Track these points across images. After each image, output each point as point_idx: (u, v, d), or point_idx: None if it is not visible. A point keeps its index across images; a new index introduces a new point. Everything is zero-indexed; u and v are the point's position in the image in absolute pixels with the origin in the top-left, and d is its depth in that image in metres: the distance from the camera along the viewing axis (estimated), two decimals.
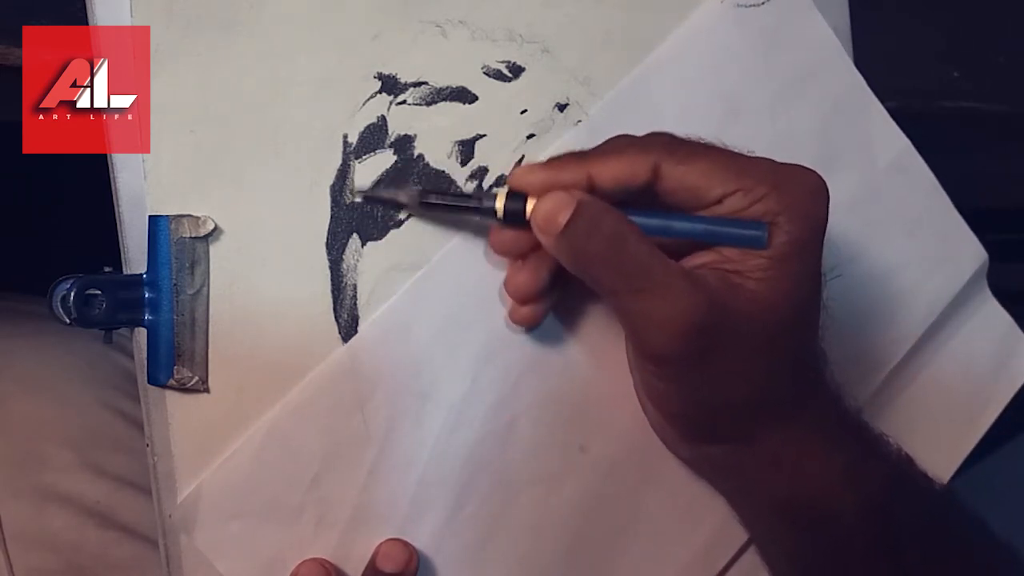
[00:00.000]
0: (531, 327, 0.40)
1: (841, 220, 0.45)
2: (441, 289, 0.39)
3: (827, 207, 0.37)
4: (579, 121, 0.41)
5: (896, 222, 0.47)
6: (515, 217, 0.37)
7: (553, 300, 0.40)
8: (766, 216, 0.36)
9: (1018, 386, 0.52)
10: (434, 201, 0.38)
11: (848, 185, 0.45)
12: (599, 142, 0.39)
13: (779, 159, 0.43)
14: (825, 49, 0.45)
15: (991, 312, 0.52)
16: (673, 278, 0.35)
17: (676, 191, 0.36)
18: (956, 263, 0.49)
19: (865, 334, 0.47)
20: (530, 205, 0.36)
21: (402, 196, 0.38)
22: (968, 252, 0.49)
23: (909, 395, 0.49)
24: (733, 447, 0.39)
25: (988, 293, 0.52)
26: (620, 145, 0.37)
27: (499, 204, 0.37)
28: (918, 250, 0.48)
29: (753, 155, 0.37)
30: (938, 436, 0.50)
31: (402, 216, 0.39)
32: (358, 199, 0.38)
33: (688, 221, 0.36)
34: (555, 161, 0.37)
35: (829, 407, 0.40)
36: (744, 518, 0.43)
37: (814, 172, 0.37)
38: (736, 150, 0.38)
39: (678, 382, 0.38)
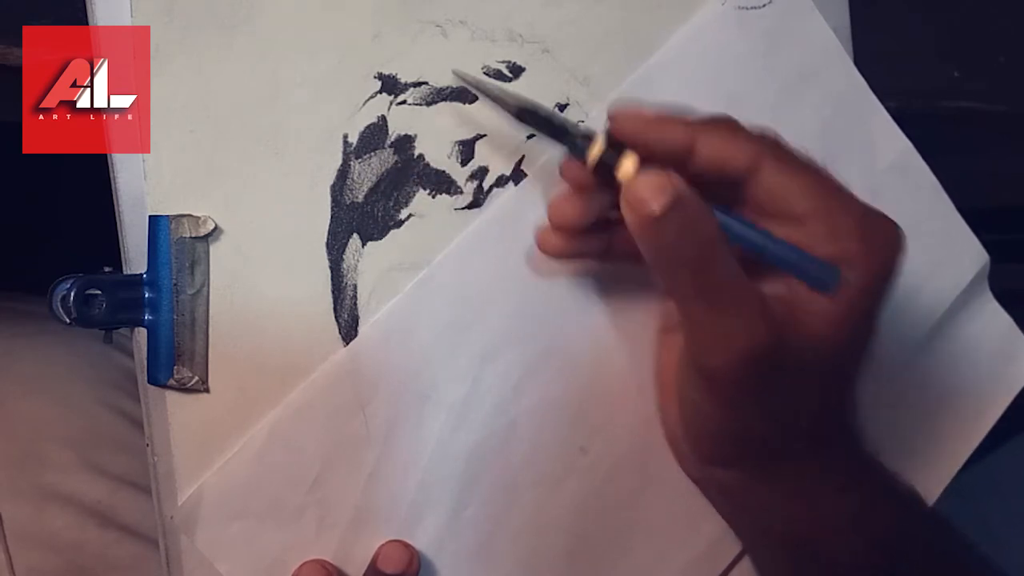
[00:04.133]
0: (553, 256, 0.39)
1: None
2: (442, 291, 0.39)
3: (902, 261, 0.36)
4: (581, 121, 0.41)
5: (898, 223, 0.47)
6: (604, 170, 0.34)
7: (583, 250, 0.38)
8: (844, 254, 0.35)
9: (1018, 389, 0.52)
10: (531, 116, 0.36)
11: (850, 186, 0.45)
12: None
13: None
14: (826, 51, 0.45)
15: (993, 314, 0.52)
16: (749, 300, 0.34)
17: (766, 192, 0.35)
18: (957, 265, 0.49)
19: None
20: (625, 161, 0.34)
21: (508, 98, 0.36)
22: (970, 254, 0.49)
23: (911, 397, 0.49)
24: (749, 475, 0.39)
25: (989, 295, 0.52)
26: (729, 125, 0.36)
27: (593, 152, 0.35)
28: (919, 252, 0.47)
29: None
30: (939, 438, 0.50)
31: (403, 216, 0.39)
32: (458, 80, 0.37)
33: (765, 237, 0.35)
34: (665, 116, 0.36)
35: (850, 448, 0.40)
36: (744, 540, 0.43)
37: (896, 224, 0.36)
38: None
39: (722, 404, 0.37)
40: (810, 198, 0.35)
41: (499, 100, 0.36)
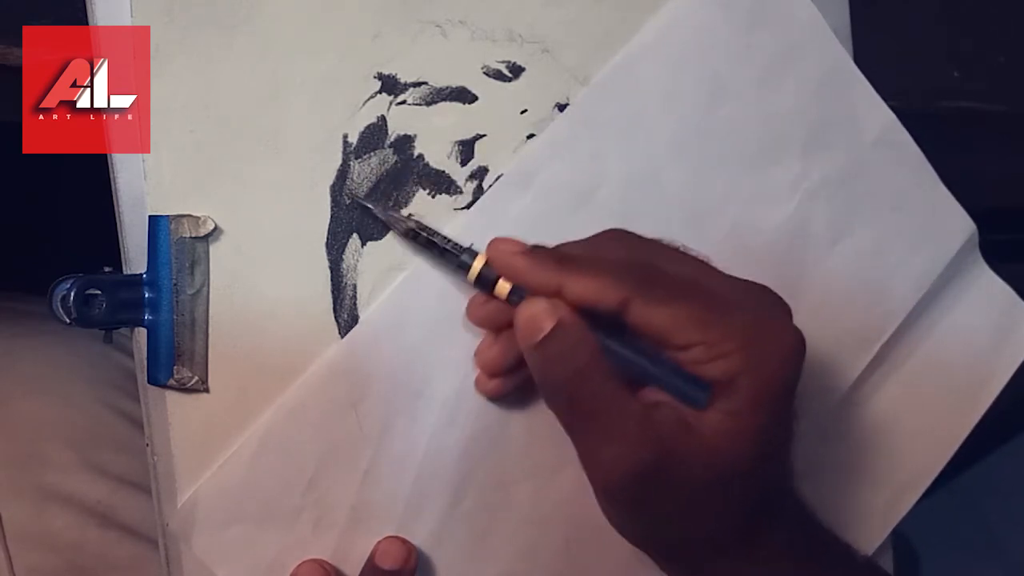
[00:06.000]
0: (497, 398, 0.40)
1: (829, 197, 0.45)
2: (430, 286, 0.39)
3: (798, 368, 0.36)
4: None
5: (883, 196, 0.47)
6: (484, 285, 0.37)
7: (522, 378, 0.39)
8: (726, 374, 0.35)
9: (1021, 359, 0.52)
10: (419, 237, 0.38)
11: (835, 161, 0.45)
12: (583, 131, 0.39)
13: (767, 138, 0.43)
14: (809, 26, 0.45)
15: (988, 284, 0.51)
16: (627, 423, 0.35)
17: (641, 327, 0.35)
18: (944, 235, 0.49)
19: (854, 309, 0.46)
20: (501, 283, 0.36)
21: (396, 223, 0.38)
22: (956, 224, 0.49)
23: (907, 371, 0.49)
24: (679, 567, 0.39)
25: (984, 265, 0.51)
26: (600, 264, 0.36)
27: (475, 266, 0.37)
28: (905, 223, 0.47)
29: (745, 289, 0.37)
30: (939, 412, 0.50)
31: (402, 216, 0.39)
32: (352, 200, 0.38)
33: (643, 358, 0.36)
34: (536, 256, 0.36)
35: (783, 541, 0.39)
36: None
37: (792, 332, 0.36)
38: (726, 283, 0.37)
39: (619, 512, 0.38)
40: (684, 329, 0.35)
41: (392, 222, 0.38)
